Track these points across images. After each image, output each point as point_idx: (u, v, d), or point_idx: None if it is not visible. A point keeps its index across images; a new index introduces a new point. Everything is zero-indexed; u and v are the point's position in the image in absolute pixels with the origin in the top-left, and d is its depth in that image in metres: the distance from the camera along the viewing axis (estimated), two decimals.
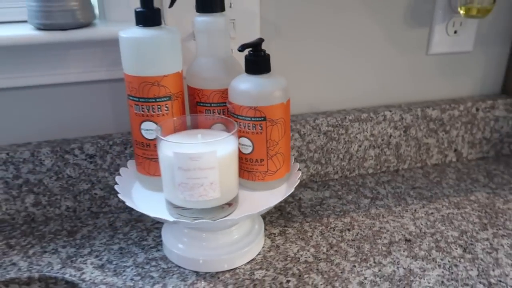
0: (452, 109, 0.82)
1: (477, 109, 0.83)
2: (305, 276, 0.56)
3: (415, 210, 0.70)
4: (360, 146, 0.79)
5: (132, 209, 0.70)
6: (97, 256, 0.61)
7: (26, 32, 0.56)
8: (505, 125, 0.86)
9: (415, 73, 0.81)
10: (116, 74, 0.66)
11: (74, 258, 0.61)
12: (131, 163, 0.64)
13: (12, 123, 0.66)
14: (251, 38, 0.67)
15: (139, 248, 0.62)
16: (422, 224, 0.67)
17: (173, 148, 0.49)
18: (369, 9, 0.74)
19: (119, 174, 0.60)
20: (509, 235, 0.64)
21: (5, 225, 0.67)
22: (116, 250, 0.62)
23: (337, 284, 0.55)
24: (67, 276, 0.58)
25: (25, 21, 0.61)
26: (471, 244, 0.62)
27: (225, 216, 0.53)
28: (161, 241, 0.63)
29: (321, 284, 0.55)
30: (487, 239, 0.63)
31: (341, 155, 0.79)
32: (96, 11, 0.64)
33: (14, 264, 0.60)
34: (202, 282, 0.56)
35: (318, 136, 0.76)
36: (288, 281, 0.56)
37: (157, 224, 0.67)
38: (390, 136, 0.80)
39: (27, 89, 0.64)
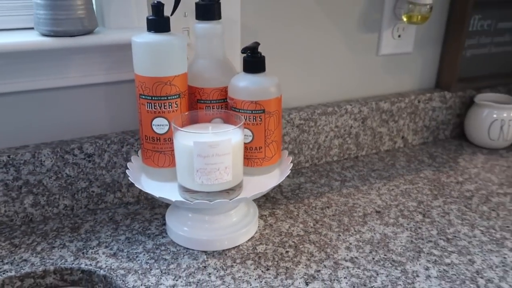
0: (399, 101, 0.95)
1: (419, 101, 0.98)
2: (300, 246, 0.65)
3: (379, 188, 0.82)
4: (326, 136, 0.90)
5: (128, 204, 0.75)
6: (107, 247, 0.65)
7: (37, 38, 0.60)
8: (440, 114, 1.02)
9: (368, 71, 0.94)
10: (112, 77, 0.71)
11: (84, 250, 0.64)
12: (135, 159, 0.69)
13: (12, 127, 0.68)
14: (234, 42, 0.76)
15: (145, 237, 0.67)
16: (387, 198, 0.79)
17: (193, 138, 0.55)
18: (329, 19, 0.85)
19: (127, 168, 0.65)
20: (455, 202, 0.78)
21: (3, 227, 0.69)
22: (123, 240, 0.67)
23: (328, 250, 0.65)
24: (82, 266, 0.62)
25: (30, 28, 0.64)
26: (428, 211, 0.75)
27: (235, 197, 0.60)
28: (164, 229, 0.69)
29: (315, 251, 0.64)
30: (439, 206, 0.76)
31: (311, 145, 0.89)
32: None
33: (25, 260, 0.62)
34: (213, 259, 0.63)
35: (292, 129, 0.85)
36: (287, 252, 0.64)
37: (156, 215, 0.73)
38: (351, 127, 0.92)
39: (29, 93, 0.67)
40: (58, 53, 0.64)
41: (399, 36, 0.94)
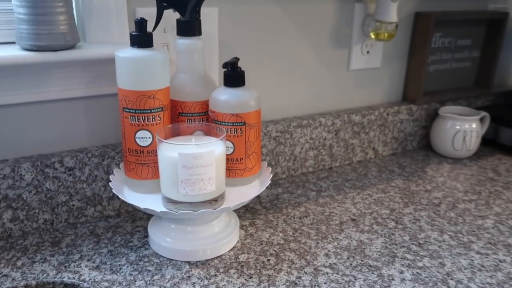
0: (370, 114, 1.00)
1: (387, 114, 1.03)
2: (281, 254, 0.68)
3: (353, 197, 0.86)
4: (302, 148, 0.93)
5: (108, 217, 0.75)
6: (89, 260, 0.65)
7: (19, 52, 0.60)
8: (407, 126, 1.07)
9: (340, 85, 0.98)
10: (93, 91, 0.71)
11: (66, 264, 0.64)
12: (117, 171, 0.69)
13: None
14: (212, 57, 0.78)
15: (127, 249, 0.68)
16: (361, 207, 0.82)
17: (178, 149, 0.57)
18: (302, 35, 0.89)
19: (109, 181, 0.66)
20: (425, 209, 0.82)
21: None
22: (106, 253, 0.67)
23: (308, 257, 0.67)
24: (65, 279, 0.61)
25: (11, 43, 0.64)
26: (400, 218, 0.79)
27: (218, 207, 0.62)
28: (146, 241, 0.70)
29: (296, 259, 0.67)
30: (411, 213, 0.80)
31: (287, 157, 0.92)
32: None
33: (6, 275, 0.62)
34: (196, 269, 0.64)
35: (269, 141, 0.88)
36: (268, 260, 0.66)
37: (137, 228, 0.73)
38: (325, 138, 0.95)
39: (9, 107, 0.67)
40: (39, 67, 0.65)
41: (367, 52, 0.98)
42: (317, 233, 0.73)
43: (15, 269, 0.63)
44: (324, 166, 0.97)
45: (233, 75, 0.65)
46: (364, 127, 1.00)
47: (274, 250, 0.68)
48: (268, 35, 0.85)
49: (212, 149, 0.58)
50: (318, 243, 0.71)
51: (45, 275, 0.62)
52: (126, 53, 0.59)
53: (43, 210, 0.71)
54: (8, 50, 0.61)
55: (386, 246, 0.70)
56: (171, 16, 0.68)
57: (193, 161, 0.57)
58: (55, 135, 0.72)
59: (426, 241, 0.72)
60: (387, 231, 0.74)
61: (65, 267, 0.64)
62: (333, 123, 0.95)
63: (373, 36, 0.93)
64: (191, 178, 0.58)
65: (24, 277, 0.61)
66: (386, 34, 0.92)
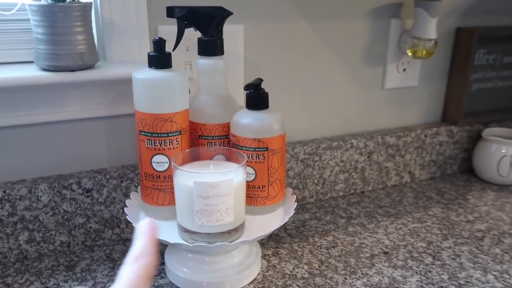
0: (406, 136, 0.94)
1: (425, 136, 0.96)
2: None
3: (386, 226, 0.80)
4: (332, 171, 0.88)
5: (126, 241, 0.72)
6: None
7: (37, 73, 0.59)
8: (447, 149, 1.00)
9: (374, 105, 0.92)
10: (112, 111, 0.69)
11: None
12: (134, 195, 0.67)
13: (9, 161, 0.67)
14: (237, 77, 0.75)
15: None
16: (394, 238, 0.76)
17: (193, 178, 0.53)
18: (333, 53, 0.84)
19: (126, 206, 0.63)
20: (466, 243, 0.75)
21: None
22: None
23: None
24: None
25: (30, 62, 0.63)
26: (438, 252, 0.72)
27: (236, 239, 0.58)
28: (162, 269, 0.66)
29: None
30: (450, 247, 0.73)
31: (315, 180, 0.87)
32: None
33: None
34: None
35: (297, 163, 0.83)
36: None
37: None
38: (357, 161, 0.90)
39: (28, 127, 0.66)
40: (57, 87, 0.63)
41: (404, 70, 0.92)
42: (345, 266, 0.68)
43: None
44: (355, 190, 0.92)
45: (256, 97, 0.61)
46: (400, 150, 0.94)
47: (297, 285, 0.63)
48: (297, 53, 0.81)
49: (230, 178, 0.54)
50: (346, 278, 0.65)
51: None
52: (143, 74, 0.57)
53: (59, 232, 0.69)
54: (26, 70, 0.60)
55: (421, 286, 0.64)
56: (193, 34, 0.65)
57: (210, 190, 0.53)
58: (74, 155, 0.70)
59: (467, 282, 0.65)
60: (423, 268, 0.68)
61: None
62: (365, 145, 0.89)
63: (410, 54, 0.87)
64: (207, 209, 0.54)
65: None
66: (424, 52, 0.86)
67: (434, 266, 0.68)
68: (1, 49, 0.64)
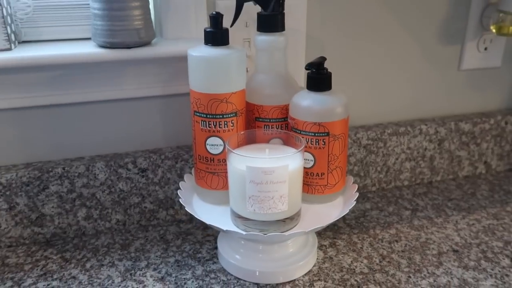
0: (483, 122, 0.85)
1: (506, 123, 0.86)
2: (364, 286, 0.58)
3: (457, 221, 0.73)
4: (397, 159, 0.81)
5: (180, 222, 0.71)
6: (155, 269, 0.62)
7: (93, 49, 0.58)
8: None
9: (448, 88, 0.84)
10: (169, 90, 0.67)
11: (132, 271, 0.61)
12: (188, 177, 0.65)
13: (67, 138, 0.67)
14: (298, 55, 0.70)
15: (195, 261, 0.63)
16: (466, 235, 0.69)
17: (246, 162, 0.50)
18: (405, 27, 0.77)
19: (179, 188, 0.62)
20: None
21: (56, 238, 0.68)
22: (172, 263, 0.63)
23: None
24: None
25: (87, 39, 0.62)
26: None
27: (290, 229, 0.55)
28: (215, 253, 0.64)
29: None
30: None
31: (379, 168, 0.81)
32: None
33: (74, 277, 0.60)
34: None
35: (359, 149, 0.78)
36: None
37: (208, 236, 0.69)
38: (425, 149, 0.82)
39: (84, 105, 0.66)
40: (113, 64, 0.62)
41: (485, 48, 0.83)
42: (409, 263, 0.62)
43: (83, 271, 0.62)
44: (422, 180, 0.85)
45: (318, 78, 0.56)
46: (475, 137, 0.85)
47: (355, 281, 0.59)
48: (363, 30, 0.75)
49: (286, 164, 0.50)
50: (410, 277, 0.60)
51: (110, 281, 0.60)
52: (198, 52, 0.54)
53: (116, 211, 0.70)
54: (82, 47, 0.59)
55: None
56: (253, 8, 0.61)
57: (263, 176, 0.49)
58: (130, 134, 0.70)
59: None
60: (499, 271, 0.61)
61: (130, 274, 0.61)
62: (436, 131, 0.82)
63: (494, 30, 0.78)
64: (260, 195, 0.51)
65: (91, 281, 0.60)
66: (511, 28, 0.76)
67: None
68: (61, 25, 0.64)
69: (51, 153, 0.67)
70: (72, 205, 0.67)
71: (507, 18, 0.75)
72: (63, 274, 0.61)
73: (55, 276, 0.60)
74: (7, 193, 0.64)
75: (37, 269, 0.62)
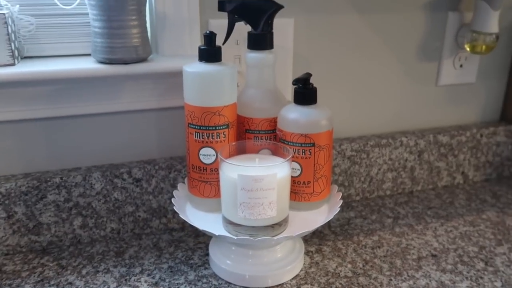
0: (460, 135, 0.89)
1: (481, 135, 0.91)
2: None
3: (435, 228, 0.77)
4: (379, 169, 0.85)
5: (172, 230, 0.74)
6: (149, 275, 0.64)
7: (93, 65, 0.61)
8: (505, 150, 0.95)
9: (426, 102, 0.89)
10: (163, 103, 0.71)
11: (127, 277, 0.64)
12: (181, 186, 0.68)
13: (66, 149, 0.70)
14: (285, 70, 0.74)
15: (187, 267, 0.66)
16: (444, 241, 0.73)
17: (238, 170, 0.54)
18: (386, 46, 0.82)
19: (173, 197, 0.65)
20: None
21: (52, 247, 0.70)
22: (166, 268, 0.66)
23: None
24: None
25: (87, 55, 0.66)
26: (491, 258, 0.69)
27: (279, 234, 0.58)
28: (207, 259, 0.67)
29: None
30: (504, 254, 0.70)
31: (362, 178, 0.85)
32: None
33: (70, 283, 0.63)
34: None
35: (343, 160, 0.82)
36: None
37: (199, 244, 0.72)
38: (406, 160, 0.87)
39: (83, 117, 0.69)
40: (112, 79, 0.65)
41: (461, 65, 0.88)
42: (391, 267, 0.66)
43: (79, 278, 0.64)
44: (403, 190, 0.89)
45: (304, 92, 0.60)
46: (453, 149, 0.90)
47: (340, 284, 0.62)
48: (347, 47, 0.79)
49: (274, 172, 0.54)
50: (391, 280, 0.63)
51: (106, 286, 0.62)
52: (193, 68, 0.57)
53: (110, 219, 0.72)
54: (83, 63, 0.62)
55: None
56: (243, 27, 0.65)
57: (253, 184, 0.53)
58: (126, 145, 0.73)
59: None
60: (474, 273, 0.65)
61: (125, 280, 0.63)
62: (416, 143, 0.86)
63: (468, 49, 0.83)
64: (250, 202, 0.54)
65: (87, 287, 0.62)
66: (484, 47, 0.82)
67: (486, 272, 0.65)
68: (62, 42, 0.67)
69: (49, 163, 0.70)
70: (69, 214, 0.70)
71: (479, 38, 0.81)
72: (60, 280, 0.63)
73: (52, 282, 0.63)
74: (6, 202, 0.66)
75: (34, 276, 0.64)
